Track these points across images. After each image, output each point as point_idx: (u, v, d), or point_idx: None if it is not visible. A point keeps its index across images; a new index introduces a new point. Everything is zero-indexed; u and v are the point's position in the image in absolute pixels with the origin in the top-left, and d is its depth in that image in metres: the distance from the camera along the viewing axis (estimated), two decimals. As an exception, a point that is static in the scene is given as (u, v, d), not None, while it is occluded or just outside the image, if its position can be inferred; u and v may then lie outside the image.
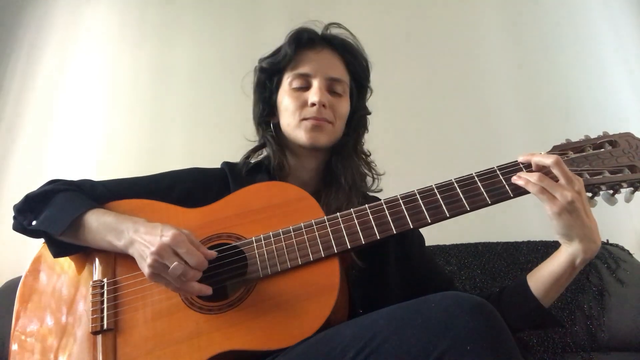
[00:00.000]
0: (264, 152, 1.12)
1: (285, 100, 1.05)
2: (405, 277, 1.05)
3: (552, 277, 0.88)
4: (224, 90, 2.15)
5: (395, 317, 0.69)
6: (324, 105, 1.02)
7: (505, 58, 2.03)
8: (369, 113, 1.16)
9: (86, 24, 2.40)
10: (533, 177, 0.82)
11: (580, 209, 0.80)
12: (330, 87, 1.05)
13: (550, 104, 1.93)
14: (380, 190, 1.13)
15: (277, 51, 1.08)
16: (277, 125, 1.10)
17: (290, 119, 1.04)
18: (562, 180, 0.80)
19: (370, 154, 1.15)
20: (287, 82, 1.06)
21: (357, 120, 1.12)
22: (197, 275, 0.80)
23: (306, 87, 1.04)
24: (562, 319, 1.36)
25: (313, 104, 1.01)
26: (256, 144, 1.14)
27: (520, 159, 0.87)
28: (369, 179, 1.12)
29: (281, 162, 1.06)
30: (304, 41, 1.06)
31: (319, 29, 1.09)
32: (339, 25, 1.10)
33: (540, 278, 0.90)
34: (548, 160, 0.82)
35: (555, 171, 0.81)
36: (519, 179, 0.83)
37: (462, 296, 0.68)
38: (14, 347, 0.90)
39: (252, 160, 1.12)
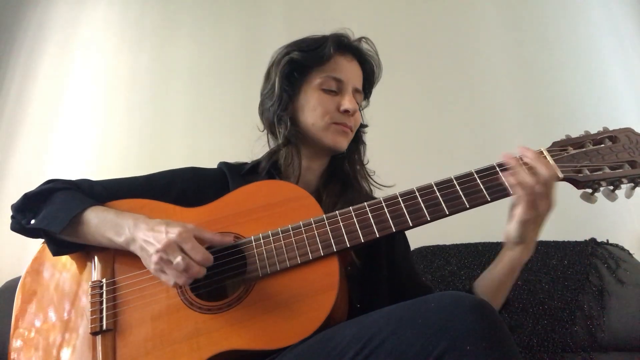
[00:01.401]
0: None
1: (314, 100, 1.05)
2: (389, 277, 1.05)
3: (498, 283, 0.94)
4: (224, 90, 2.15)
5: (395, 316, 0.69)
6: (352, 114, 1.06)
7: (505, 56, 2.03)
8: (366, 126, 1.20)
9: (86, 24, 2.40)
10: (529, 180, 0.80)
11: (543, 223, 0.86)
12: (355, 97, 1.09)
13: (550, 102, 1.93)
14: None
15: (315, 46, 1.07)
16: (293, 122, 1.07)
17: (318, 119, 1.05)
18: (543, 193, 0.81)
19: (368, 162, 1.17)
20: (318, 81, 1.06)
21: (362, 133, 1.18)
22: (202, 272, 0.80)
23: (335, 92, 1.06)
24: (563, 319, 1.36)
25: (346, 111, 1.04)
26: (264, 140, 1.14)
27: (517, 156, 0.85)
28: (366, 187, 1.14)
29: (294, 161, 1.05)
30: (342, 46, 1.09)
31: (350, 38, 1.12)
32: (367, 42, 1.13)
33: (486, 287, 0.96)
34: (545, 173, 0.81)
35: (539, 186, 0.80)
36: (510, 176, 0.82)
37: (461, 296, 0.68)
38: (13, 347, 0.90)
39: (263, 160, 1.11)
